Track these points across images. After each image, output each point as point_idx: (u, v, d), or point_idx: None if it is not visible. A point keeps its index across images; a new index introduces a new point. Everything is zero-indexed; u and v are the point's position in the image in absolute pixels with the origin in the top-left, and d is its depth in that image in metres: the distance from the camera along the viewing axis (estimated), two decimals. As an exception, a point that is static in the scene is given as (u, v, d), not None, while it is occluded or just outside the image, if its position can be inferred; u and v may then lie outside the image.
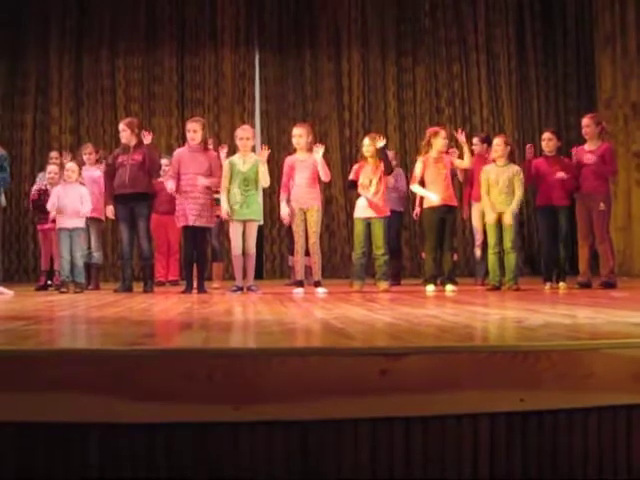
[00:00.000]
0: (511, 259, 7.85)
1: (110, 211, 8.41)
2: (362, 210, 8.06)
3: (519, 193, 7.90)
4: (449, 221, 8.07)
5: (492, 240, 7.95)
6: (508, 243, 7.84)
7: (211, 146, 8.54)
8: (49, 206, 8.53)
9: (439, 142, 8.10)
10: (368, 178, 8.01)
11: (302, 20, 13.59)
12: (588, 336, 3.05)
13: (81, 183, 8.62)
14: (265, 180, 7.90)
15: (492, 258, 7.96)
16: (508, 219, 7.83)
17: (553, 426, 2.58)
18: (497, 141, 8.18)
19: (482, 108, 13.72)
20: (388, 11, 13.66)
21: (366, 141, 8.21)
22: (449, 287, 7.75)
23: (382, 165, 8.07)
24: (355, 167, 8.24)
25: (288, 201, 7.93)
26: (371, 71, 13.65)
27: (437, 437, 2.51)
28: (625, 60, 12.19)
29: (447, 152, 8.28)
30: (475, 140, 9.71)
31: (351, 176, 8.23)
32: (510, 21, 13.80)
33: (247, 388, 2.43)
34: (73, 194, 8.44)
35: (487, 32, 13.75)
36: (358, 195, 8.22)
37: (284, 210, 7.94)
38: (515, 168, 8.01)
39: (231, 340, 3.21)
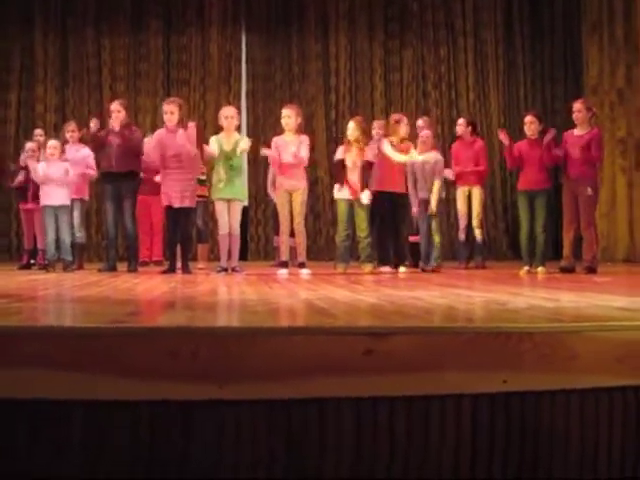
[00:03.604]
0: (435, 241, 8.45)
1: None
2: (344, 192, 8.07)
3: (437, 186, 8.47)
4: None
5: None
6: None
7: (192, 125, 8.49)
8: (35, 176, 8.50)
9: (402, 129, 8.20)
10: (352, 162, 8.02)
11: (290, 0, 13.54)
12: (571, 319, 3.06)
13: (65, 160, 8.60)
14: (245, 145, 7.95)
15: (424, 240, 8.65)
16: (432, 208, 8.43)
17: (536, 407, 2.59)
18: (425, 133, 8.63)
19: (469, 92, 13.73)
20: (376, -7, 13.64)
21: (350, 125, 8.22)
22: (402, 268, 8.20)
23: (366, 150, 8.11)
24: (341, 148, 8.22)
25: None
26: (358, 53, 13.63)
27: (421, 417, 2.52)
28: (612, 47, 12.21)
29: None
30: (460, 121, 9.75)
31: (339, 156, 8.19)
32: (498, 6, 13.80)
33: (232, 367, 2.43)
34: (57, 169, 8.41)
35: (475, 17, 13.75)
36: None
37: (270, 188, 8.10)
38: (437, 157, 8.55)
39: (216, 319, 3.21)
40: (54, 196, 8.41)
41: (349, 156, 8.04)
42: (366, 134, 8.27)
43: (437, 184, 8.35)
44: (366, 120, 8.97)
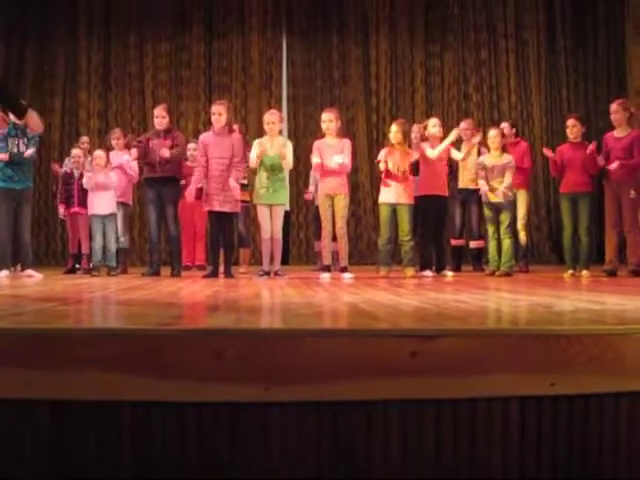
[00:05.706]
0: (506, 245, 8.22)
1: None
2: (388, 196, 8.06)
3: (509, 179, 8.28)
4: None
5: (490, 227, 8.40)
6: (503, 229, 8.26)
7: (236, 128, 8.54)
8: (85, 182, 8.66)
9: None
10: (396, 165, 8.00)
11: (330, 5, 13.55)
12: (618, 321, 3.03)
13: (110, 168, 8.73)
14: (289, 162, 7.94)
15: (491, 244, 8.40)
16: (504, 206, 8.29)
17: (583, 411, 2.57)
18: (494, 133, 8.52)
19: (510, 95, 13.63)
20: (416, -4, 13.61)
21: (393, 127, 8.20)
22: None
23: (411, 153, 8.10)
24: (383, 152, 8.19)
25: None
26: (399, 56, 13.60)
27: (468, 420, 2.51)
28: (656, 48, 12.08)
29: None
30: (504, 124, 9.71)
31: (380, 157, 8.18)
32: (540, 7, 13.68)
33: (278, 369, 2.43)
34: (104, 179, 8.55)
35: (516, 18, 13.65)
36: (381, 180, 8.22)
37: (312, 187, 8.05)
38: (509, 157, 8.40)
39: (261, 321, 3.22)
40: (102, 205, 8.56)
41: (392, 160, 8.01)
42: (408, 137, 8.28)
43: (507, 180, 8.31)
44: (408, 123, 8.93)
